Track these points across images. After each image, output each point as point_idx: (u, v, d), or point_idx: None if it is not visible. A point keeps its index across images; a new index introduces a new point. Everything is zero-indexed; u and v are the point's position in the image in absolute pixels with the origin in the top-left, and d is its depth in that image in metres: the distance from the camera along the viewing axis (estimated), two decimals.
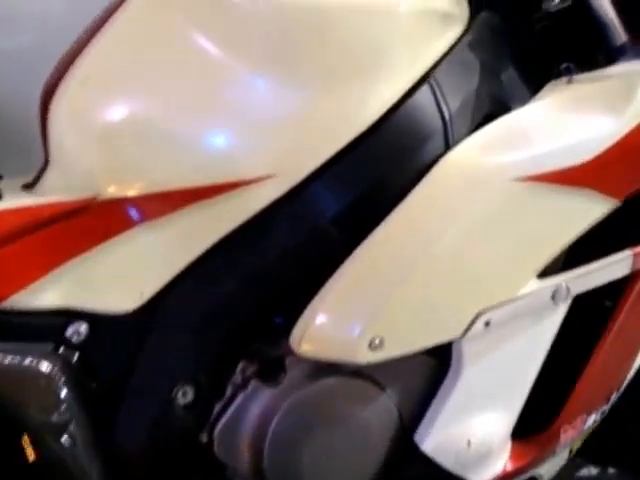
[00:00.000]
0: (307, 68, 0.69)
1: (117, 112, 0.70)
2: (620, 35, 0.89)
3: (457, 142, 0.73)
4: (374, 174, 0.72)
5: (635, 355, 0.89)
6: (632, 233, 0.82)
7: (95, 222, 0.70)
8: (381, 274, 0.70)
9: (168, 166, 0.69)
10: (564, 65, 0.93)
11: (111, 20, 0.70)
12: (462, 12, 0.82)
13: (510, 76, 0.85)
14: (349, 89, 0.69)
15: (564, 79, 0.82)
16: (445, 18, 0.78)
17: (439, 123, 0.74)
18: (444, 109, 0.74)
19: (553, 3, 0.93)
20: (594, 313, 0.84)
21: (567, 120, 0.75)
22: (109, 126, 0.70)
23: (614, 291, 0.84)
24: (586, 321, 0.83)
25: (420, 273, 0.69)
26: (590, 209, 0.75)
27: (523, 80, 0.87)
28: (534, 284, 0.74)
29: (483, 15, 0.86)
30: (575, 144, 0.73)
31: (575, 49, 0.92)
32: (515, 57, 0.89)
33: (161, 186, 0.69)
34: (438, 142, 0.74)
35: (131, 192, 0.69)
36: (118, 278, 0.70)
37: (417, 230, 0.70)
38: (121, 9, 0.70)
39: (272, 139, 0.69)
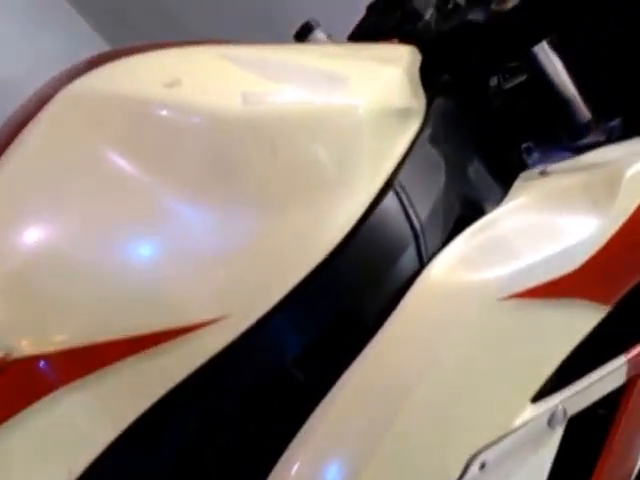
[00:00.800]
0: (254, 189, 0.58)
1: (27, 249, 0.58)
2: (583, 113, 0.83)
3: (431, 254, 0.65)
4: (341, 303, 0.61)
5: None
6: (622, 336, 0.75)
7: (7, 387, 0.57)
8: (358, 423, 0.59)
9: (93, 313, 0.57)
10: (524, 145, 0.87)
11: (16, 141, 0.59)
12: (419, 103, 0.74)
13: (476, 169, 0.78)
14: (306, 210, 0.59)
15: (537, 170, 0.75)
16: (403, 113, 0.70)
17: (409, 235, 0.65)
18: (413, 218, 0.65)
19: (507, 80, 0.88)
20: (588, 423, 0.76)
21: (549, 224, 0.67)
22: (17, 267, 0.58)
23: (606, 398, 0.76)
24: (581, 432, 0.74)
25: (400, 419, 0.59)
26: (583, 320, 0.67)
27: (490, 171, 0.80)
28: (529, 411, 0.65)
29: (438, 102, 0.79)
30: (561, 252, 0.65)
31: (534, 127, 0.86)
32: (477, 145, 0.82)
33: (86, 338, 0.57)
34: (410, 257, 0.64)
35: (50, 347, 0.57)
36: (39, 455, 0.57)
37: (395, 369, 0.59)
38: (28, 128, 0.59)
39: (219, 275, 0.57)
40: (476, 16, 0.81)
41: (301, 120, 0.59)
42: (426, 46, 0.80)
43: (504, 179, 0.83)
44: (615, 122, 0.84)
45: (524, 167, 0.84)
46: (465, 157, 0.77)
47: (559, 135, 0.85)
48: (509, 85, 0.87)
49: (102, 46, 1.82)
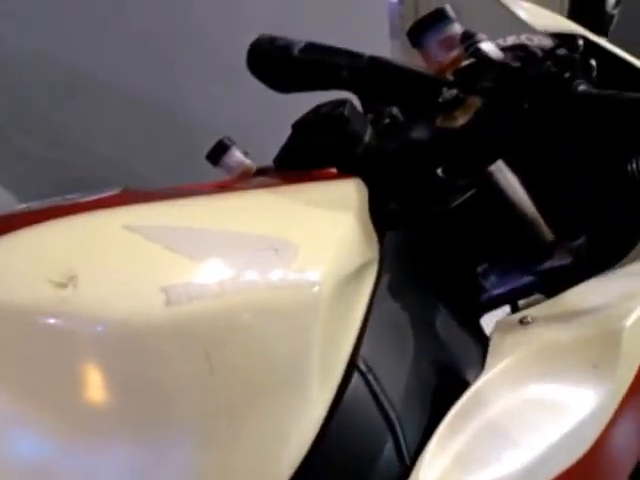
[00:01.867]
0: (187, 418, 0.43)
1: None
2: (545, 232, 0.73)
3: (413, 450, 0.52)
4: None
5: None
6: None
7: None
8: None
9: None
10: (480, 268, 0.77)
11: None
12: (373, 250, 0.62)
13: (444, 319, 0.66)
14: (256, 432, 0.45)
15: (514, 317, 0.64)
16: (359, 271, 0.57)
17: (384, 428, 0.52)
18: (386, 406, 0.52)
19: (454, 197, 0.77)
20: None
21: (546, 397, 0.55)
22: None
23: None
24: None
25: None
26: None
27: (458, 317, 0.68)
28: None
29: (389, 238, 0.67)
30: (566, 435, 0.53)
31: (489, 247, 0.76)
32: (438, 283, 0.71)
33: None
34: (389, 458, 0.51)
35: None
36: None
37: None
38: None
39: None
40: (420, 134, 0.70)
41: (240, 316, 0.45)
42: (369, 172, 0.69)
43: (474, 323, 0.72)
44: (580, 241, 0.75)
45: (481, 293, 0.74)
46: (429, 305, 0.66)
47: (518, 256, 0.75)
48: (457, 202, 0.76)
49: None
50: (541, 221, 0.73)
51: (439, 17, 0.68)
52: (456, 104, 0.68)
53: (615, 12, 0.90)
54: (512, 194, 0.71)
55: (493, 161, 0.68)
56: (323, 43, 0.79)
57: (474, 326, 0.71)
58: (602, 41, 0.75)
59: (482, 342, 0.66)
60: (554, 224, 0.73)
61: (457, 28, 0.68)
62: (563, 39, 0.72)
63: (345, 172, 0.68)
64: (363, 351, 0.54)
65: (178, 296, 0.43)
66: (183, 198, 0.57)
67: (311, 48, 0.78)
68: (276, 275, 0.48)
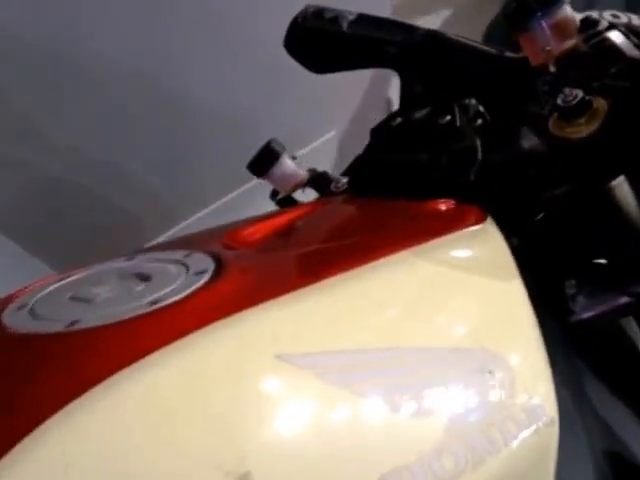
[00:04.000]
0: None
1: None
2: None
3: None
4: None
5: None
6: None
7: None
8: None
9: None
10: (568, 283, 0.66)
11: None
12: None
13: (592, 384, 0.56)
14: None
15: None
16: None
17: None
18: None
19: None
20: None
21: None
22: None
23: None
24: None
25: None
26: None
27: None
28: None
29: None
30: None
31: (581, 262, 0.66)
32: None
33: None
34: None
35: None
36: None
37: None
38: None
39: None
40: (532, 144, 0.59)
41: None
42: (484, 197, 0.59)
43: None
44: None
45: (569, 315, 0.64)
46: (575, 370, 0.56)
47: (615, 275, 0.64)
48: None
49: None
50: None
51: None
52: (583, 109, 0.56)
53: None
54: (625, 207, 0.60)
55: (619, 175, 0.58)
56: (372, 15, 0.69)
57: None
58: None
59: None
60: None
61: (571, 11, 0.57)
62: None
63: (461, 200, 0.58)
64: None
65: None
66: (295, 281, 0.46)
67: (361, 21, 0.69)
68: (511, 422, 0.38)
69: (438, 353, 0.41)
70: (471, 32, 0.79)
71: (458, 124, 0.62)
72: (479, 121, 0.67)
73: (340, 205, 0.67)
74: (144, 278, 0.50)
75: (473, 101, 0.68)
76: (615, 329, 0.70)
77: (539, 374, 0.42)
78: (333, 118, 1.52)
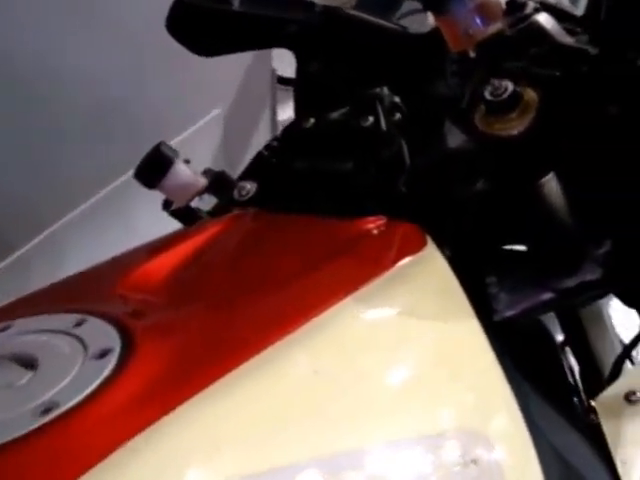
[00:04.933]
0: None
1: None
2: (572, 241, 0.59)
3: None
4: None
5: None
6: None
7: None
8: None
9: None
10: (488, 279, 0.63)
11: None
12: None
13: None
14: None
15: (619, 392, 0.49)
16: None
17: None
18: None
19: None
20: None
21: None
22: None
23: None
24: None
25: None
26: None
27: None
28: None
29: None
30: None
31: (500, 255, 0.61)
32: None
33: None
34: None
35: None
36: None
37: None
38: None
39: None
40: (458, 143, 0.54)
41: None
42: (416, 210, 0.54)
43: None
44: (607, 247, 0.61)
45: (490, 314, 0.59)
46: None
47: (537, 270, 0.60)
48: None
49: None
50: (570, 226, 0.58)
51: None
52: (514, 103, 0.50)
53: None
54: (553, 202, 0.56)
55: (551, 171, 0.52)
56: None
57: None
58: None
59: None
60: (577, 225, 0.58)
61: None
62: None
63: (391, 214, 0.52)
64: None
65: None
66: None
67: None
68: None
69: (404, 446, 0.34)
70: None
71: (383, 127, 0.55)
72: (397, 115, 0.61)
73: (253, 228, 0.57)
74: (28, 364, 0.39)
75: (386, 90, 0.62)
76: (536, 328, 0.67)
77: (527, 460, 0.36)
78: (216, 95, 1.42)
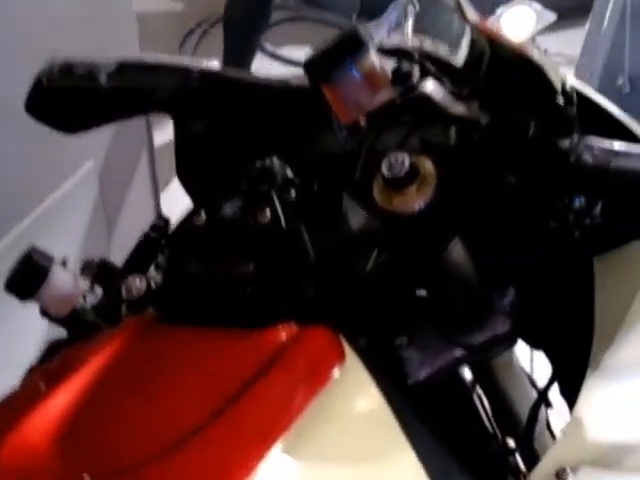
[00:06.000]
0: None
1: None
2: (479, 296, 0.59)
3: None
4: None
5: None
6: None
7: None
8: None
9: None
10: (398, 341, 0.63)
11: None
12: None
13: None
14: None
15: (549, 469, 0.48)
16: None
17: None
18: None
19: None
20: None
21: None
22: None
23: None
24: None
25: None
26: None
27: None
28: None
29: None
30: None
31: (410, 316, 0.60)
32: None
33: None
34: None
35: None
36: None
37: None
38: None
39: None
40: (359, 222, 0.53)
41: None
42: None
43: None
44: (511, 297, 0.61)
45: (401, 373, 0.58)
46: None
47: (445, 327, 0.59)
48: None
49: None
50: (475, 282, 0.58)
51: (354, 43, 0.47)
52: (412, 177, 0.48)
53: None
54: (457, 265, 0.55)
55: (454, 239, 0.50)
56: (136, 59, 0.61)
57: None
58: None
59: None
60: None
61: (380, 59, 0.48)
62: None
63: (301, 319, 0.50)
64: None
65: None
66: None
67: (123, 70, 0.60)
68: None
69: None
70: None
71: (283, 224, 0.53)
72: (292, 192, 0.58)
73: (154, 351, 0.51)
74: None
75: (276, 162, 0.60)
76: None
77: None
78: (87, 147, 1.35)
